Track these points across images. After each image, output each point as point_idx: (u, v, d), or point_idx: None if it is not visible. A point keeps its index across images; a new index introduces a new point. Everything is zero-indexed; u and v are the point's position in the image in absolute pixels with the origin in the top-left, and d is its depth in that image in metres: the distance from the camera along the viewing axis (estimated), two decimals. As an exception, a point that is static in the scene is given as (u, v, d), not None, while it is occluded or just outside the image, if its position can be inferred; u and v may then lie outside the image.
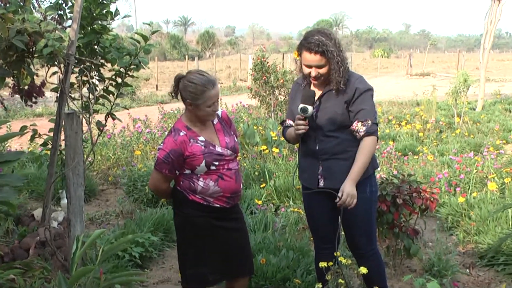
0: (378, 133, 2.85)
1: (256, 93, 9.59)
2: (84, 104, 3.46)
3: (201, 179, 2.52)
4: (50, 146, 3.50)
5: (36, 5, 3.33)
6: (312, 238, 3.06)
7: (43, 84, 3.45)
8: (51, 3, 3.33)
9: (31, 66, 3.38)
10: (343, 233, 2.90)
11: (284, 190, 5.15)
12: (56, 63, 3.18)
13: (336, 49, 2.52)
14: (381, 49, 51.43)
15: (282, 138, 2.94)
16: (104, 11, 3.37)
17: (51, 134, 3.48)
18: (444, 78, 24.58)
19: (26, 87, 3.41)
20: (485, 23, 13.32)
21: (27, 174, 5.34)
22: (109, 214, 4.99)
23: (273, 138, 6.90)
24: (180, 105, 11.24)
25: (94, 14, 3.36)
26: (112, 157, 6.72)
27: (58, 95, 3.34)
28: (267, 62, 9.43)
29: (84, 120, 3.27)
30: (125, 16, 3.68)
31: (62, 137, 3.25)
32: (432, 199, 3.45)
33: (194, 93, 2.45)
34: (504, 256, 3.72)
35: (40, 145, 3.64)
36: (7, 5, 3.00)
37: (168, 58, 43.95)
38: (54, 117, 3.45)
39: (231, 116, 8.88)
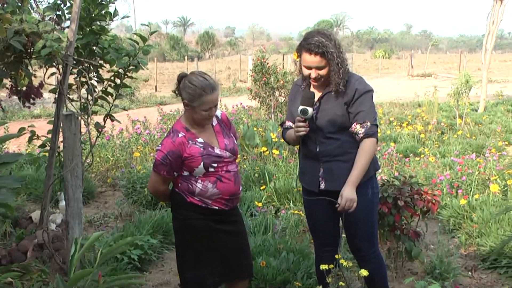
0: (379, 134, 2.83)
1: (256, 94, 9.56)
2: (83, 105, 3.45)
3: (199, 181, 2.50)
4: (48, 148, 3.48)
5: (34, 5, 3.32)
6: (312, 241, 3.04)
7: (41, 85, 3.43)
8: (49, 3, 3.33)
9: (29, 67, 3.37)
10: (344, 235, 2.88)
11: (284, 192, 5.13)
12: (54, 64, 3.17)
13: (336, 50, 2.51)
14: (382, 49, 51.36)
15: (282, 140, 2.93)
16: (103, 12, 3.36)
17: (50, 135, 3.46)
18: (446, 79, 24.54)
19: (24, 88, 3.39)
20: (487, 23, 13.27)
21: (25, 176, 5.34)
22: (107, 216, 4.96)
23: (273, 140, 6.88)
24: (179, 107, 11.20)
25: (93, 15, 3.34)
26: (111, 158, 6.70)
27: (57, 96, 3.33)
28: (267, 63, 9.41)
29: (82, 122, 3.25)
30: (124, 17, 3.67)
31: (61, 138, 3.24)
32: (433, 201, 3.42)
33: (192, 95, 2.44)
34: (507, 258, 3.69)
35: (38, 146, 3.62)
36: (5, 5, 2.99)
37: (167, 59, 43.95)
38: (53, 119, 3.43)
39: (231, 117, 8.87)
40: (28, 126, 3.49)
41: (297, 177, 2.84)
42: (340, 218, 2.72)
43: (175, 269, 3.68)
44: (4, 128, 7.50)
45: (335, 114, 2.57)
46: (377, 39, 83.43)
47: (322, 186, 2.64)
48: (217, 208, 2.55)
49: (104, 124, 3.55)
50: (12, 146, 8.13)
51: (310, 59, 2.51)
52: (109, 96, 3.55)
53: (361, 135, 2.55)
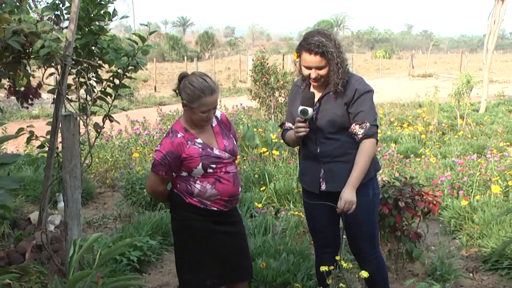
0: (379, 135, 2.82)
1: (256, 94, 9.52)
2: (82, 106, 3.43)
3: (198, 181, 2.50)
4: (47, 149, 3.47)
5: (32, 5, 3.30)
6: (312, 242, 3.03)
7: (39, 85, 3.42)
8: (47, 3, 3.31)
9: (28, 67, 3.35)
10: (344, 236, 2.87)
11: (284, 193, 5.11)
12: (53, 64, 3.15)
13: (336, 50, 2.49)
14: (383, 50, 51.34)
15: (282, 141, 2.92)
16: (102, 12, 3.34)
17: (48, 136, 3.45)
18: (447, 79, 24.52)
19: (22, 89, 3.38)
20: (489, 23, 13.24)
21: (24, 177, 5.31)
22: (106, 217, 4.95)
23: (273, 140, 6.85)
24: (179, 107, 11.18)
25: (92, 15, 3.33)
26: (110, 159, 6.67)
27: (55, 96, 3.32)
28: (267, 63, 9.36)
29: (81, 122, 3.24)
30: (123, 17, 3.65)
31: (59, 139, 3.22)
32: (434, 202, 3.41)
33: (191, 96, 2.43)
34: (508, 260, 3.67)
35: (37, 147, 3.61)
36: (3, 5, 2.98)
37: (166, 59, 43.94)
38: (51, 119, 3.41)
39: (231, 118, 8.84)
40: (27, 126, 3.48)
41: (297, 178, 2.83)
42: (341, 220, 2.70)
43: (174, 271, 3.64)
44: (2, 129, 7.50)
45: (335, 115, 2.56)
46: (377, 39, 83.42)
47: (323, 187, 2.62)
48: (216, 209, 2.54)
49: (103, 124, 3.53)
50: (10, 147, 8.10)
51: (310, 59, 2.49)
52: (108, 97, 3.53)
53: (360, 135, 2.53)
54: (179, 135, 2.49)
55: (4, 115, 11.94)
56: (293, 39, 71.41)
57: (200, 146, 2.50)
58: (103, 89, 3.53)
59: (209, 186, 2.49)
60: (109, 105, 3.52)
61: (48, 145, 3.45)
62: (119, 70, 3.43)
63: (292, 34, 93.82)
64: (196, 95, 2.42)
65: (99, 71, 3.57)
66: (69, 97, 3.43)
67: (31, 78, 3.41)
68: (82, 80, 3.37)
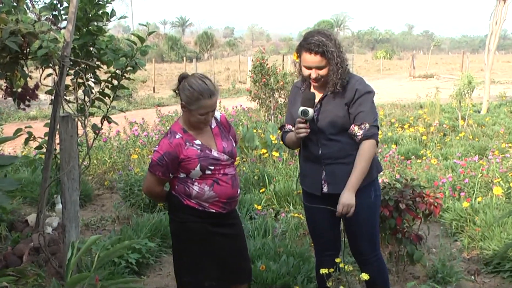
0: (380, 136, 2.79)
1: (256, 95, 9.48)
2: (80, 107, 3.41)
3: (196, 183, 2.48)
4: (44, 150, 3.45)
5: (30, 5, 3.28)
6: (313, 244, 3.01)
7: (36, 86, 3.40)
8: (45, 3, 3.28)
9: (25, 68, 3.33)
10: (343, 238, 2.85)
11: (284, 194, 5.09)
12: (50, 65, 3.13)
13: (336, 50, 2.48)
14: (384, 50, 51.32)
15: (282, 143, 2.90)
16: (100, 12, 3.31)
17: (46, 137, 3.43)
18: (448, 80, 24.52)
19: (20, 90, 3.35)
20: (490, 23, 13.22)
21: (21, 179, 5.28)
22: (105, 219, 4.92)
23: (273, 142, 6.83)
24: (178, 108, 11.15)
25: (90, 15, 3.30)
26: (108, 161, 6.64)
27: (53, 97, 3.29)
28: (267, 64, 9.32)
29: (79, 123, 3.22)
30: (121, 17, 3.62)
31: (57, 140, 3.20)
32: (435, 204, 3.39)
33: (190, 98, 2.42)
34: (510, 262, 3.65)
35: (35, 148, 3.59)
36: (0, 5, 2.95)
37: (165, 59, 43.96)
38: (49, 120, 3.39)
39: (230, 119, 8.81)
40: (25, 127, 3.46)
41: (297, 179, 2.81)
42: (342, 222, 2.68)
43: (173, 273, 3.60)
44: (-1, 130, 7.49)
45: (336, 116, 2.54)
46: (378, 40, 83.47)
47: (325, 189, 2.61)
48: (214, 211, 2.53)
49: (101, 126, 3.51)
50: (7, 148, 8.09)
51: (310, 58, 2.48)
52: (106, 98, 3.51)
53: (360, 136, 2.51)
54: (177, 136, 2.48)
55: (1, 116, 11.92)
56: (293, 39, 71.33)
57: (198, 147, 2.49)
58: (101, 90, 3.51)
59: (207, 188, 2.48)
60: (108, 106, 3.50)
61: (45, 146, 3.43)
62: (118, 71, 3.41)
63: (292, 35, 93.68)
64: (195, 97, 2.41)
65: (97, 72, 3.55)
66: (67, 98, 3.41)
67: (28, 79, 3.38)
68: (80, 81, 3.35)
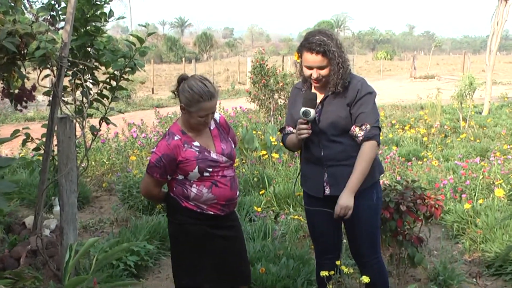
0: (381, 137, 2.77)
1: (255, 96, 9.45)
2: (78, 108, 3.40)
3: (194, 185, 2.46)
4: (42, 152, 3.43)
5: (27, 6, 3.27)
6: (313, 247, 2.99)
7: (34, 88, 3.38)
8: (43, 3, 3.27)
9: (22, 69, 3.31)
10: (345, 241, 2.83)
11: (284, 196, 5.06)
12: (48, 65, 3.13)
13: (337, 50, 2.46)
14: (384, 51, 51.34)
15: (282, 144, 2.87)
16: (98, 12, 3.31)
17: (44, 139, 3.41)
18: (449, 81, 24.51)
19: (17, 91, 3.34)
20: (492, 24, 13.20)
21: (18, 181, 5.27)
22: (103, 221, 4.90)
23: (273, 143, 6.80)
24: (176, 109, 11.16)
25: (88, 16, 3.30)
26: (107, 162, 6.61)
27: (51, 98, 3.28)
28: (266, 65, 9.29)
29: (77, 125, 3.21)
30: (119, 18, 3.61)
31: (55, 142, 3.18)
32: (437, 206, 3.36)
33: (189, 99, 2.40)
34: (513, 265, 3.61)
35: (32, 149, 3.57)
36: (-2, 6, 2.93)
37: (164, 60, 43.98)
38: (47, 122, 3.37)
39: (230, 120, 8.79)
40: (23, 128, 3.44)
41: (295, 181, 2.79)
42: (343, 224, 2.66)
43: (172, 276, 3.61)
44: (-4, 131, 7.46)
45: (338, 116, 2.52)
46: (378, 40, 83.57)
47: (327, 191, 2.58)
48: (212, 213, 2.51)
49: (100, 127, 3.50)
50: (5, 150, 8.08)
51: (312, 58, 2.46)
52: (105, 99, 3.50)
53: (361, 138, 2.49)
54: (175, 138, 2.47)
55: (-1, 117, 11.92)
56: (293, 40, 71.39)
57: (197, 149, 2.47)
58: (99, 91, 3.50)
59: (206, 190, 2.46)
60: (106, 108, 3.49)
61: (43, 148, 3.41)
62: (116, 72, 3.39)
63: (292, 35, 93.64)
64: (194, 99, 2.39)
65: (96, 73, 3.55)
66: (65, 99, 3.41)
67: (25, 80, 3.37)
68: (78, 82, 3.34)
